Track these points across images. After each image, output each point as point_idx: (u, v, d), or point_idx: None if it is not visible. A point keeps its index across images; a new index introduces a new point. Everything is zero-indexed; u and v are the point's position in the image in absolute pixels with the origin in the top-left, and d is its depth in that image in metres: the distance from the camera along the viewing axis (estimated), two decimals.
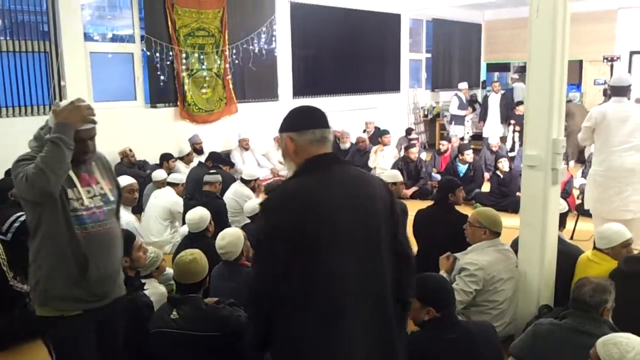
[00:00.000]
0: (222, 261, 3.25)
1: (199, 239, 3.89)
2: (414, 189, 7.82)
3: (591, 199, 5.10)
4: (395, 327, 1.84)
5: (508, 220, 6.07)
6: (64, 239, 2.18)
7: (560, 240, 3.56)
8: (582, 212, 6.58)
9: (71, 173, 2.24)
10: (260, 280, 1.78)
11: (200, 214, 4.04)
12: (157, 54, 7.88)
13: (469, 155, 7.68)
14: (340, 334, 1.71)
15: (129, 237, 3.13)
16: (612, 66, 7.95)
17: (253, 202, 5.07)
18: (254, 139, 8.89)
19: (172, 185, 5.72)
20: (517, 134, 9.75)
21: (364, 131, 9.85)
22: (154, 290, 3.24)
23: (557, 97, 3.22)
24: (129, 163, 7.32)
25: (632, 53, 11.29)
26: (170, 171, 6.82)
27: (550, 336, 2.48)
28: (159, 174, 6.14)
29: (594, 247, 3.47)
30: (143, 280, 3.20)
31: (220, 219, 5.06)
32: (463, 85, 10.91)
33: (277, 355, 1.82)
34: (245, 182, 5.98)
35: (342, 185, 1.81)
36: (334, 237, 1.73)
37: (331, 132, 2.00)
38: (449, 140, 8.95)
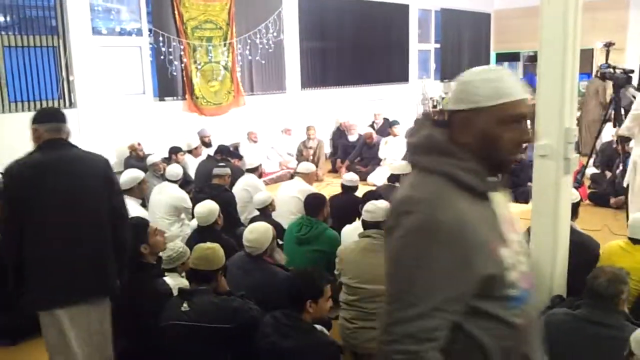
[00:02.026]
0: (246, 253, 3.25)
1: (208, 232, 3.89)
2: None
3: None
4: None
5: (519, 210, 6.10)
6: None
7: (573, 230, 3.52)
8: (596, 202, 6.56)
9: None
10: None
11: (209, 207, 4.04)
12: (165, 47, 7.89)
13: None
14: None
15: (142, 223, 3.16)
16: (607, 52, 7.86)
17: (263, 194, 5.07)
18: (262, 131, 8.89)
19: (171, 180, 5.58)
20: None
21: (373, 123, 9.80)
22: (177, 283, 3.23)
23: (569, 86, 3.18)
24: (137, 157, 7.33)
25: None
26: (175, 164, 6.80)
27: (563, 326, 2.45)
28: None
29: (629, 237, 3.39)
30: (167, 273, 3.22)
31: (230, 212, 5.06)
32: None
33: None
34: (251, 171, 5.97)
35: (62, 160, 2.60)
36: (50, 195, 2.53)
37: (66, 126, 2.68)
38: None
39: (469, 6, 12.85)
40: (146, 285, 2.94)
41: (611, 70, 5.97)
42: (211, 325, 2.62)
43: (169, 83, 8.09)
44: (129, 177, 4.81)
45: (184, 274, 3.54)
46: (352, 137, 9.24)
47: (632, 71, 6.07)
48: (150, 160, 6.69)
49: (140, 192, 4.78)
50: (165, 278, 3.17)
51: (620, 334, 2.29)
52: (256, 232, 3.27)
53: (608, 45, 8.45)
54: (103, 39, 7.43)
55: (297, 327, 2.58)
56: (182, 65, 8.14)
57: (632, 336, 1.95)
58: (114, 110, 7.51)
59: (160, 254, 3.40)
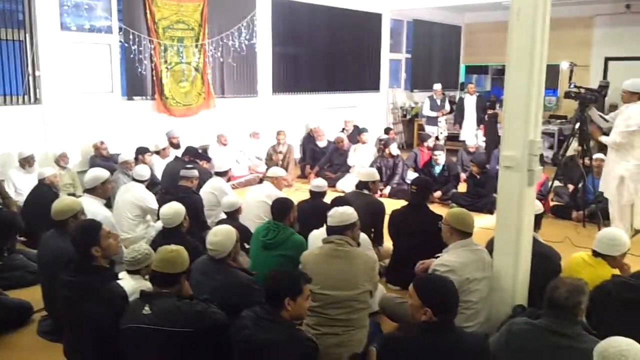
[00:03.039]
0: (208, 257, 3.20)
1: (173, 234, 3.82)
2: (389, 188, 7.83)
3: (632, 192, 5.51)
4: None
5: (484, 221, 6.20)
6: None
7: (535, 241, 3.58)
8: (558, 214, 6.72)
9: None
10: None
11: (175, 209, 3.97)
12: (135, 46, 7.78)
13: (440, 157, 7.72)
14: None
15: (94, 225, 3.09)
16: (571, 71, 8.17)
17: (231, 197, 5.03)
18: (232, 135, 8.83)
19: (138, 180, 5.54)
20: (483, 138, 9.87)
21: (343, 130, 9.84)
22: (140, 285, 3.14)
23: (535, 99, 3.24)
24: (101, 156, 7.20)
25: (607, 59, 11.48)
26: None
27: (524, 335, 2.48)
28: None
29: (594, 251, 3.44)
30: (130, 275, 3.15)
31: (196, 215, 5.02)
32: (437, 86, 10.93)
33: None
34: (220, 174, 5.94)
35: None
36: None
37: None
38: (424, 140, 8.91)
39: (440, 18, 13.06)
40: (99, 289, 2.86)
41: (576, 90, 6.16)
42: (173, 329, 2.57)
43: (137, 82, 7.98)
44: (92, 176, 4.72)
45: (147, 276, 3.49)
46: (322, 143, 9.26)
47: (598, 91, 6.25)
48: (121, 158, 6.61)
49: (104, 191, 4.68)
50: (125, 280, 3.10)
51: (578, 344, 2.34)
52: (220, 235, 3.22)
53: (572, 66, 8.75)
54: (72, 35, 7.29)
55: (275, 321, 2.57)
56: (152, 64, 8.04)
57: (595, 349, 1.99)
58: (80, 108, 7.36)
59: (125, 255, 3.34)
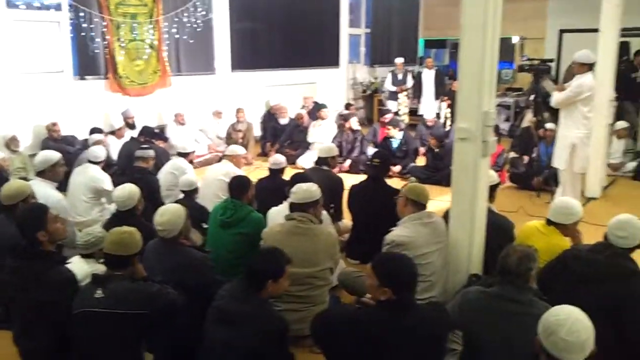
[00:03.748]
0: (160, 238, 3.14)
1: (127, 216, 3.73)
2: (348, 161, 7.85)
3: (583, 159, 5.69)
4: None
5: (442, 194, 6.28)
6: None
7: (490, 211, 3.64)
8: (515, 182, 6.88)
9: None
10: None
11: (129, 191, 3.88)
12: (86, 24, 7.52)
13: (392, 131, 7.79)
14: None
15: (41, 209, 2.99)
16: (522, 45, 8.37)
17: (190, 176, 4.95)
18: (190, 113, 8.67)
19: (93, 162, 5.39)
20: (448, 110, 9.88)
21: (303, 107, 9.77)
22: (94, 269, 3.06)
23: (488, 71, 3.26)
24: (53, 139, 6.98)
25: (561, 31, 11.67)
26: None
27: (477, 304, 2.53)
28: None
29: (548, 220, 3.49)
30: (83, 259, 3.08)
31: (153, 196, 4.92)
32: (399, 60, 10.92)
33: None
34: (183, 155, 5.85)
35: None
36: None
37: None
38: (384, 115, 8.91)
39: None
40: (46, 273, 2.78)
41: (529, 62, 6.28)
42: (126, 312, 2.53)
43: (90, 61, 7.74)
44: (42, 158, 4.56)
45: (101, 260, 3.42)
46: (284, 121, 9.18)
47: (551, 60, 6.36)
48: (91, 139, 6.45)
49: (55, 174, 4.52)
50: (78, 264, 3.02)
51: (530, 310, 2.39)
52: (167, 214, 3.15)
53: (522, 40, 8.93)
54: (19, 13, 6.99)
55: (252, 297, 2.58)
56: (105, 42, 7.79)
57: (540, 320, 2.03)
58: (29, 89, 7.10)
59: (78, 239, 3.26)
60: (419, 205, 3.53)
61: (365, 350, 2.35)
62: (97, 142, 6.34)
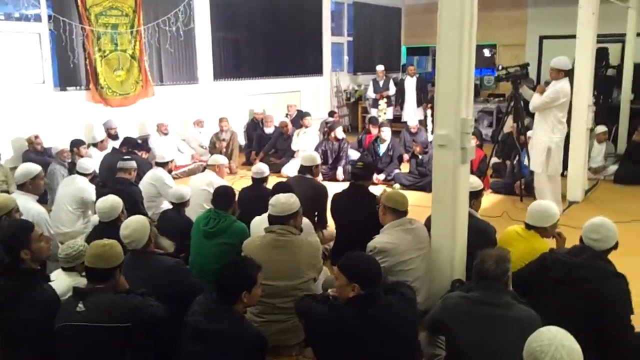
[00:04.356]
0: (130, 251, 3.12)
1: (110, 228, 3.70)
2: (340, 170, 7.84)
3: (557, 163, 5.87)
4: None
5: (426, 200, 6.30)
6: None
7: (471, 216, 3.68)
8: (497, 190, 6.94)
9: None
10: None
11: (111, 202, 3.86)
12: (67, 34, 7.48)
13: (384, 133, 7.80)
14: None
15: (26, 227, 2.96)
16: (494, 55, 8.52)
17: (181, 188, 4.91)
18: (173, 123, 8.65)
19: (82, 174, 5.41)
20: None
21: (286, 115, 9.79)
22: (76, 283, 3.04)
23: (465, 78, 3.31)
24: (36, 151, 6.92)
25: (541, 37, 11.83)
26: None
27: (457, 308, 2.56)
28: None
29: (526, 224, 3.53)
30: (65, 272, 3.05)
31: (136, 207, 4.88)
32: (379, 67, 10.98)
33: None
34: (161, 165, 5.82)
35: None
36: None
37: None
38: (373, 124, 8.91)
39: (380, 0, 13.10)
40: (28, 292, 2.75)
41: (504, 71, 6.37)
42: (109, 325, 2.51)
43: (70, 72, 7.69)
44: (22, 171, 4.50)
45: (83, 273, 3.39)
46: (269, 129, 9.17)
47: (528, 64, 6.45)
48: (55, 148, 6.36)
49: (35, 187, 4.47)
50: (59, 278, 3.00)
51: (510, 313, 2.44)
52: (130, 226, 3.14)
53: (492, 51, 9.09)
54: None
55: (226, 312, 2.58)
56: (85, 53, 7.75)
57: (525, 348, 2.00)
58: (10, 101, 7.04)
59: (59, 252, 3.23)
60: (398, 212, 3.57)
61: (338, 343, 2.49)
62: (61, 152, 6.33)
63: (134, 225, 3.14)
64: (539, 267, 3.10)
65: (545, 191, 5.85)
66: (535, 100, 5.76)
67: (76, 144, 6.94)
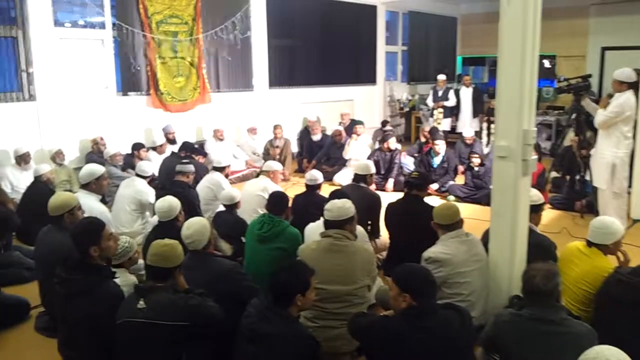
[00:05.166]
0: (190, 251, 3.20)
1: (168, 228, 3.81)
2: (391, 182, 7.78)
3: (622, 180, 5.66)
4: None
5: (482, 213, 6.18)
6: None
7: (531, 231, 3.58)
8: (556, 206, 6.72)
9: None
10: None
11: (169, 202, 3.97)
12: (129, 41, 7.76)
13: (438, 146, 7.68)
14: None
15: (97, 225, 3.06)
16: (553, 66, 8.22)
17: (231, 190, 5.01)
18: (228, 130, 8.81)
19: (141, 176, 5.60)
20: (491, 126, 9.73)
21: (340, 123, 9.81)
22: (125, 281, 3.17)
23: (528, 89, 3.23)
24: (99, 152, 7.19)
25: (603, 49, 11.45)
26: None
27: (510, 327, 2.50)
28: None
29: (588, 241, 3.42)
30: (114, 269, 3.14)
31: (193, 210, 5.01)
32: (440, 77, 10.84)
33: None
34: (218, 169, 5.93)
35: None
36: None
37: None
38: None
39: (436, 10, 13.01)
40: (94, 287, 2.85)
41: (566, 83, 6.16)
42: (167, 323, 2.57)
43: (132, 78, 7.96)
44: (87, 171, 4.71)
45: (133, 267, 3.51)
46: (316, 137, 9.21)
47: (590, 76, 6.23)
48: (107, 153, 6.65)
49: (99, 187, 4.66)
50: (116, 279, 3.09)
51: (565, 329, 2.38)
52: (192, 227, 3.21)
53: (552, 62, 8.79)
54: (65, 31, 7.26)
55: (281, 316, 2.61)
56: (147, 60, 8.01)
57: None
58: (75, 104, 7.34)
59: None
60: (448, 226, 3.52)
61: (394, 355, 2.46)
62: (114, 156, 6.70)
63: (196, 226, 3.21)
64: (601, 291, 3.03)
65: (609, 208, 5.62)
66: (599, 116, 5.56)
67: (137, 147, 7.19)
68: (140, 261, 4.20)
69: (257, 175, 6.46)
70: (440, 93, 10.71)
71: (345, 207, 3.45)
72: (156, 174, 7.00)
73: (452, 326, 2.52)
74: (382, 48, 12.08)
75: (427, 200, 4.78)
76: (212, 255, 3.26)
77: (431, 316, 2.51)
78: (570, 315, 2.48)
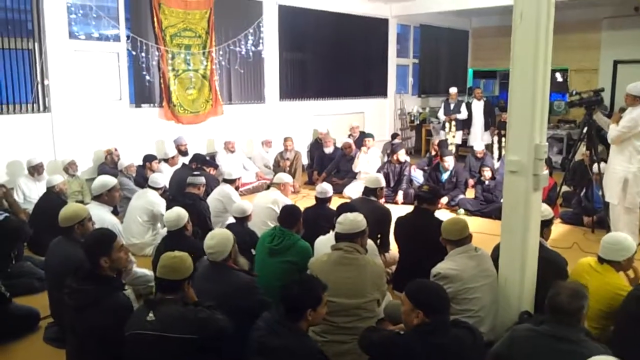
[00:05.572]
0: (210, 262, 3.21)
1: (177, 237, 3.85)
2: (401, 194, 7.76)
3: (635, 194, 5.55)
4: None
5: (492, 227, 6.15)
6: None
7: (542, 247, 3.55)
8: (566, 221, 6.67)
9: None
10: None
11: (177, 212, 4.02)
12: (143, 54, 7.84)
13: (447, 162, 7.65)
14: None
15: (109, 236, 3.09)
16: (566, 80, 8.12)
17: (244, 203, 5.02)
18: (239, 142, 8.85)
19: (153, 187, 5.64)
20: (502, 140, 9.68)
21: (349, 136, 9.82)
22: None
23: (540, 103, 3.22)
24: (112, 162, 7.25)
25: (615, 62, 11.40)
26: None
27: (527, 342, 2.46)
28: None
29: (599, 257, 3.40)
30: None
31: (203, 222, 5.04)
32: (452, 90, 10.83)
33: None
34: (229, 181, 5.96)
35: None
36: None
37: None
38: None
39: (447, 23, 13.03)
40: (104, 298, 2.86)
41: (578, 96, 6.12)
42: (176, 336, 2.57)
43: (145, 90, 8.04)
44: (99, 183, 4.76)
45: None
46: (328, 150, 9.23)
47: (602, 90, 6.20)
48: (121, 164, 6.70)
49: (111, 199, 4.70)
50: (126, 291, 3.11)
51: (582, 350, 2.32)
52: (216, 238, 3.23)
53: (565, 75, 8.74)
54: (80, 44, 7.35)
55: (291, 329, 2.61)
56: (160, 72, 8.09)
57: None
58: (89, 116, 7.42)
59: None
60: (455, 242, 3.50)
61: None
62: (129, 167, 6.75)
63: (219, 237, 3.24)
64: (621, 311, 3.00)
65: (620, 223, 5.56)
66: (612, 132, 5.52)
67: (149, 158, 7.24)
68: (143, 270, 4.25)
69: (268, 188, 6.48)
70: (452, 106, 10.70)
71: (357, 220, 3.46)
72: (167, 185, 7.06)
73: (464, 344, 2.50)
74: (393, 61, 12.12)
75: (437, 214, 4.75)
76: (231, 268, 3.26)
77: (444, 333, 2.50)
78: (590, 337, 2.43)
